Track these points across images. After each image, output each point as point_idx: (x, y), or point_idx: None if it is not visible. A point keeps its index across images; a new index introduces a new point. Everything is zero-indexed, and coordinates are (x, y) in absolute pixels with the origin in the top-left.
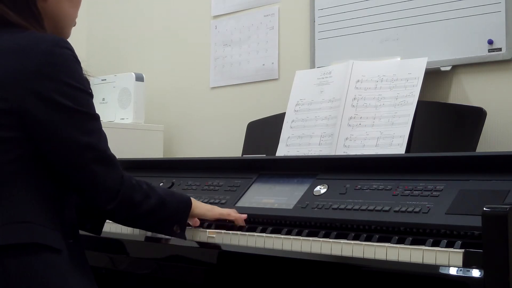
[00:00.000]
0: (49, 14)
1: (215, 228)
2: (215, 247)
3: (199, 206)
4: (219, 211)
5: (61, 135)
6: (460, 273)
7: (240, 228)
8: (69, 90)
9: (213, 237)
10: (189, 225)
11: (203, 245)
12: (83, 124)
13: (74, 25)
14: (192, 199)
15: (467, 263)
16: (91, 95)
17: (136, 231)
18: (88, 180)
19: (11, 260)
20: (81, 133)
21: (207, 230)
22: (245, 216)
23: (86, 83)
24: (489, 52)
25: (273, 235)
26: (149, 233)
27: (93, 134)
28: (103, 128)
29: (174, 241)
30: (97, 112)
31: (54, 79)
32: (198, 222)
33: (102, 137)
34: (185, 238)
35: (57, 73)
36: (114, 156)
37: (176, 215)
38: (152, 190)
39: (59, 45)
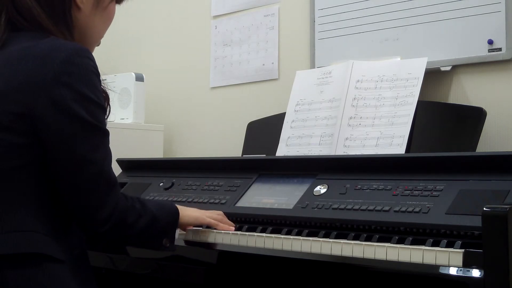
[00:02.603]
0: (79, 24)
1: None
2: (215, 247)
3: (187, 215)
4: (207, 221)
5: (69, 145)
6: (460, 273)
7: (240, 228)
8: (84, 100)
9: (213, 237)
10: None
11: (203, 245)
12: (92, 138)
13: (98, 45)
14: (179, 208)
15: (467, 263)
16: (104, 110)
17: None
18: (86, 196)
19: (11, 270)
20: (89, 147)
21: (208, 230)
22: (232, 228)
23: (103, 96)
24: (489, 52)
25: (273, 235)
26: None
27: (100, 150)
28: None
29: (174, 241)
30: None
31: (71, 88)
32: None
33: (108, 156)
34: (174, 250)
35: (75, 82)
36: (115, 177)
37: (165, 229)
38: (145, 208)
39: (80, 54)
